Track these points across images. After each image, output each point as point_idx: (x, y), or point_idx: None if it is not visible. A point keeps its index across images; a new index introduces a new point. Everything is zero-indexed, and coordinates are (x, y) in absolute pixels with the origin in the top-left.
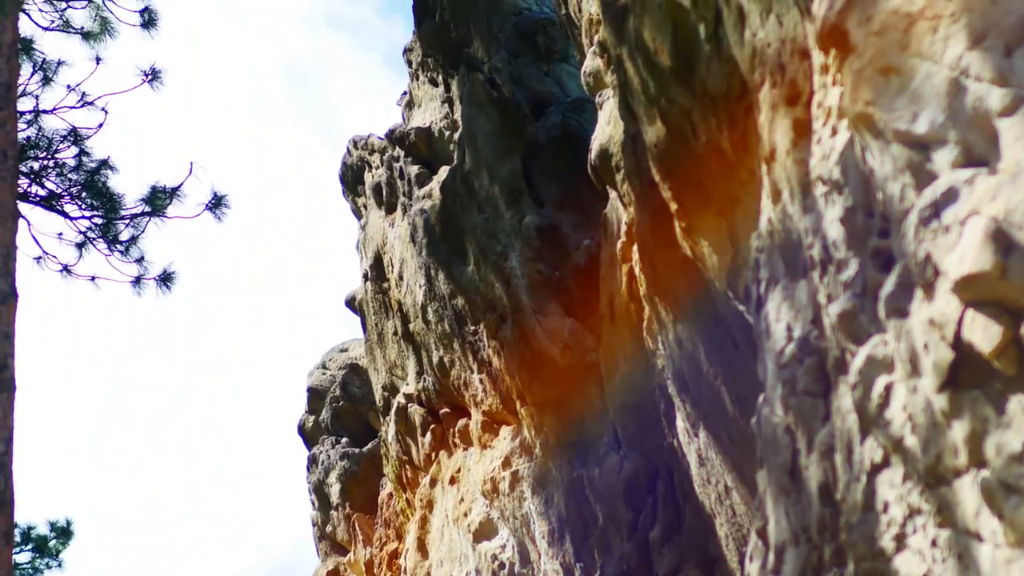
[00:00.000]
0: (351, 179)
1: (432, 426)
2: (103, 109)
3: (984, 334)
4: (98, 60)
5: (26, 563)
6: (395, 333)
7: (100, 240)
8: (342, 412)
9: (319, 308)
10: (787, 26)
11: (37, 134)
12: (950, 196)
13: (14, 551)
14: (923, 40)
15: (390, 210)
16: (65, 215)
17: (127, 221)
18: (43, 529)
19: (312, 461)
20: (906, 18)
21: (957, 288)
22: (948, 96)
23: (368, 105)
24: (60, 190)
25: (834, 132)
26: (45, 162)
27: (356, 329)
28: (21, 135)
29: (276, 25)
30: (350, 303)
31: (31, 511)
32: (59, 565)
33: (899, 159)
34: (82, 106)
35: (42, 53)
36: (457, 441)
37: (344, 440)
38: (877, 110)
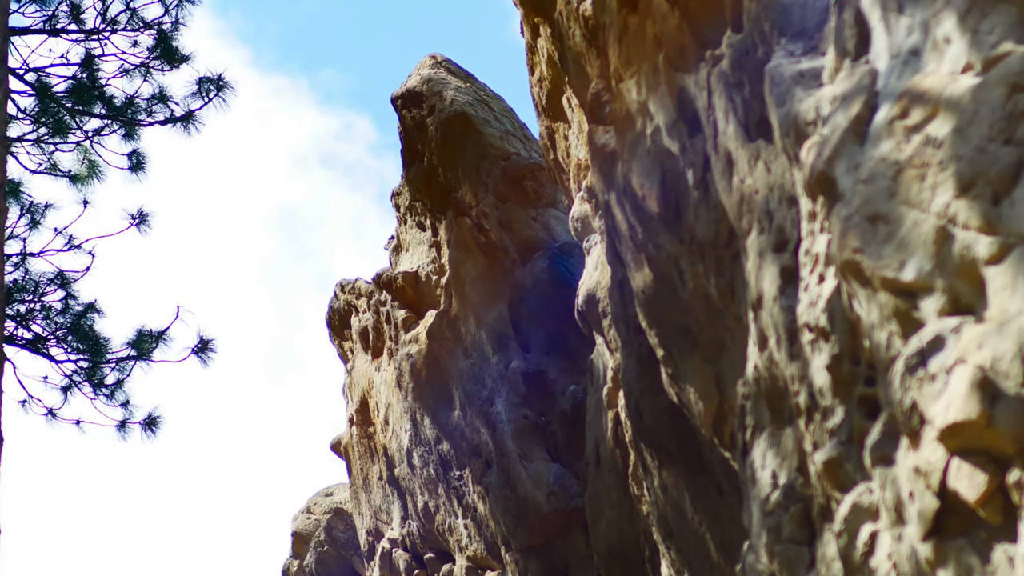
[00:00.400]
0: (338, 323)
1: (416, 571)
2: (90, 252)
3: (970, 483)
4: (85, 203)
5: None
6: (380, 478)
7: (85, 384)
8: (327, 557)
9: (304, 452)
10: (775, 173)
11: (24, 277)
12: (937, 344)
13: None
14: (911, 188)
15: (376, 354)
16: (51, 358)
17: (113, 365)
18: None
19: None
20: (894, 166)
21: (943, 437)
22: (935, 244)
23: (359, 242)
24: (46, 333)
25: (821, 279)
26: (31, 305)
27: (341, 473)
28: (8, 278)
29: (268, 164)
30: (335, 447)
31: None
32: None
33: (886, 307)
34: (69, 249)
35: (30, 196)
36: None
37: None
38: (864, 258)
